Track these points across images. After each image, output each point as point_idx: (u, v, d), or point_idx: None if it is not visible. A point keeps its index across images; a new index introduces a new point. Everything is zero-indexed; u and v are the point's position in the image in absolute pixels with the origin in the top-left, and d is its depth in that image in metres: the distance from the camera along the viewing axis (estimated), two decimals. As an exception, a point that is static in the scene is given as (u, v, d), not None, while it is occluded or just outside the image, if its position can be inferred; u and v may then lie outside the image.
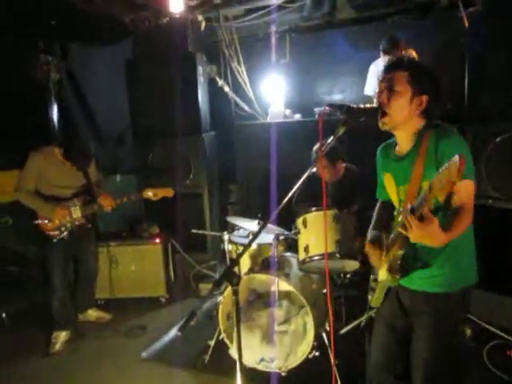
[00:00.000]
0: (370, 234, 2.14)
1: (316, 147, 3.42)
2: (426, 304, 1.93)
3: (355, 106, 1.91)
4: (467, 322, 3.34)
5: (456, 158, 1.37)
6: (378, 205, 2.30)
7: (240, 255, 1.87)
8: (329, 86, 5.62)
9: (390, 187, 2.07)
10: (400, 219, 1.86)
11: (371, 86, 4.78)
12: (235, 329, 1.79)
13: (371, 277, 2.18)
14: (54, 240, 3.58)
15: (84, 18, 3.97)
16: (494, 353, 3.10)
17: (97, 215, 4.31)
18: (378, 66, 4.82)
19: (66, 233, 3.61)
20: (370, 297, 2.19)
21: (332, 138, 1.89)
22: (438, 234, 1.58)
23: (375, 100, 1.94)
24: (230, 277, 1.78)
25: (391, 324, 2.11)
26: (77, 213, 3.63)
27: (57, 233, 3.58)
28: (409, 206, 1.61)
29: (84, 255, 3.91)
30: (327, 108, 1.89)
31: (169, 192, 3.82)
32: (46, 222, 3.54)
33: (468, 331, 3.30)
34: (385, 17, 4.81)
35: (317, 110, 4.66)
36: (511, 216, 3.24)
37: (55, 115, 4.73)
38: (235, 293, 1.79)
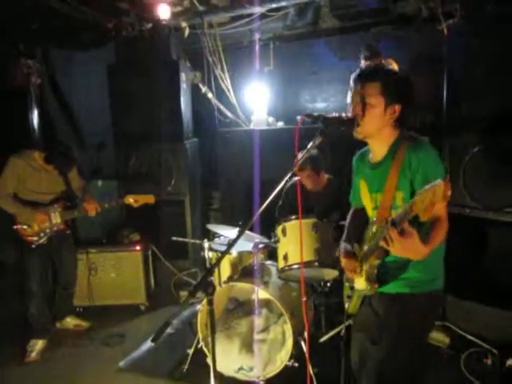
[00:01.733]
0: (342, 245, 2.14)
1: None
2: (393, 304, 1.95)
3: (332, 115, 1.93)
4: (445, 330, 3.39)
5: (440, 182, 1.39)
6: (351, 213, 2.32)
7: (215, 265, 1.87)
8: (312, 94, 5.65)
9: (363, 193, 2.09)
10: (374, 229, 1.88)
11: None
12: (210, 338, 1.78)
13: (346, 285, 2.20)
14: (33, 246, 3.53)
15: (66, 22, 3.93)
16: (471, 360, 3.13)
17: (76, 221, 4.28)
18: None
19: (44, 238, 3.57)
20: (346, 304, 2.20)
21: (309, 147, 1.91)
22: (418, 247, 1.61)
23: (350, 110, 1.96)
24: (205, 286, 1.78)
25: (366, 329, 2.11)
26: (56, 218, 3.60)
27: (35, 238, 3.54)
28: (390, 219, 1.62)
29: (63, 261, 3.85)
30: (304, 118, 1.91)
31: (150, 198, 3.84)
32: (25, 227, 3.49)
33: (446, 339, 3.33)
34: (368, 27, 4.87)
35: (299, 117, 4.66)
36: (488, 225, 3.28)
37: (36, 120, 4.66)
38: (210, 302, 1.78)
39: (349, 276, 2.09)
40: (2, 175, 3.48)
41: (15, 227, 3.50)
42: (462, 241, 3.35)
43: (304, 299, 2.06)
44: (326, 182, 3.66)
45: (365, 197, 2.08)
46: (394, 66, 4.61)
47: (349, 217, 2.32)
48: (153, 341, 1.79)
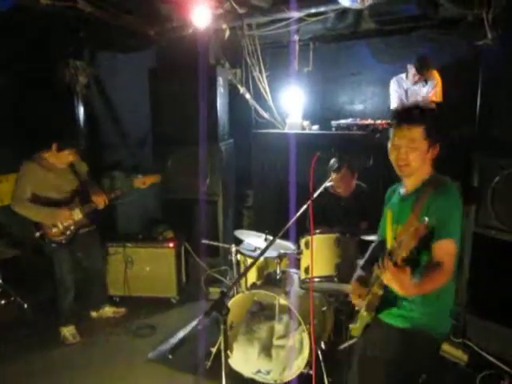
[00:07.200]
0: (357, 272, 2.23)
1: (333, 160, 3.54)
2: (392, 336, 2.02)
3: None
4: (464, 347, 3.41)
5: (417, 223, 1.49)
6: (376, 241, 2.38)
7: (230, 288, 2.01)
8: (350, 95, 5.64)
9: (388, 224, 2.14)
10: None
11: (393, 102, 4.82)
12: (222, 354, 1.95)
13: (356, 308, 2.28)
14: (62, 242, 3.75)
15: (110, 30, 4.13)
16: (487, 381, 3.14)
17: (115, 216, 4.54)
18: (399, 83, 4.83)
19: (70, 235, 3.78)
20: (351, 325, 2.29)
21: (321, 188, 2.05)
22: (406, 283, 1.67)
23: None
24: (220, 308, 1.93)
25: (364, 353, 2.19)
26: (77, 214, 3.77)
27: (62, 237, 3.74)
28: (390, 249, 1.71)
29: (90, 256, 4.08)
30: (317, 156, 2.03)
31: (156, 178, 4.08)
32: (54, 229, 3.67)
33: (464, 357, 3.35)
34: (409, 30, 4.80)
35: (333, 122, 4.67)
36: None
37: (82, 117, 4.94)
38: (224, 322, 1.94)
39: (353, 301, 2.18)
40: (17, 182, 3.61)
41: (39, 233, 3.65)
42: (486, 262, 3.35)
43: (311, 324, 2.15)
44: (354, 189, 3.72)
45: (388, 227, 2.14)
46: (437, 77, 4.56)
47: (372, 245, 2.39)
48: (170, 353, 1.98)
